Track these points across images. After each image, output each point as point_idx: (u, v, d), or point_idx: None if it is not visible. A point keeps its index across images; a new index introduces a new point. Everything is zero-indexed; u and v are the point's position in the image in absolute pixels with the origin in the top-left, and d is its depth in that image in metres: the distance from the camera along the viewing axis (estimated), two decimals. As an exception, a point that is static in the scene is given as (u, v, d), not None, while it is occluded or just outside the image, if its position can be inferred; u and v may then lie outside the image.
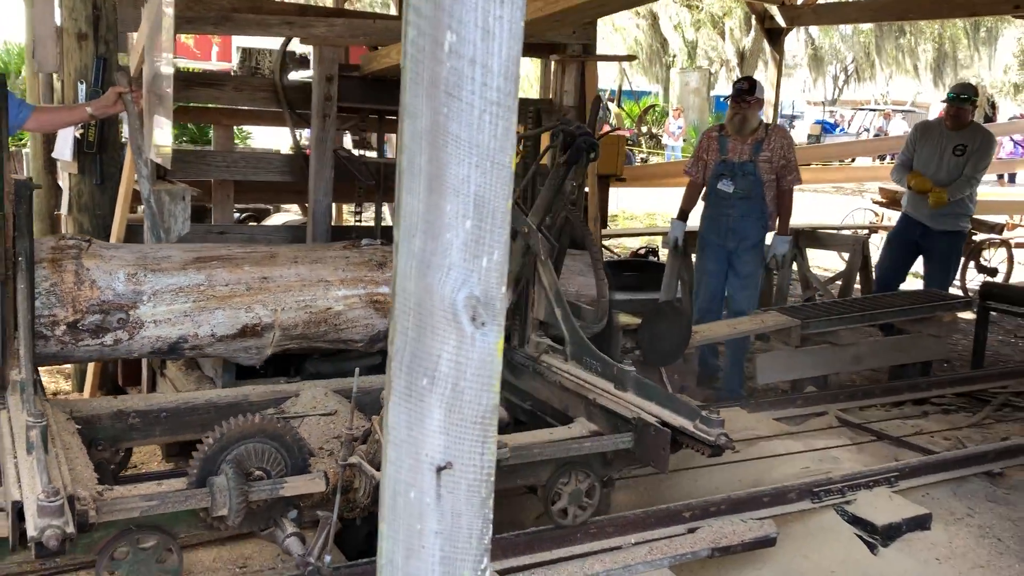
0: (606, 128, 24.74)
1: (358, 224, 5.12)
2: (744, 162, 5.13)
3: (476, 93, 1.22)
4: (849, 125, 30.15)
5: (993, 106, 32.59)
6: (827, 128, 29.07)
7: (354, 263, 3.50)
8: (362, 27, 4.57)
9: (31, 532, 1.96)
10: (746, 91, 5.12)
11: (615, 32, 26.92)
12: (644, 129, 29.84)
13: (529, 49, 5.50)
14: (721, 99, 32.55)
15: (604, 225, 9.72)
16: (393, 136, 6.60)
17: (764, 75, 10.26)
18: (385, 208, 5.32)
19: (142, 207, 3.76)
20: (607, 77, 32.94)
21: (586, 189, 5.95)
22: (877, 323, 4.92)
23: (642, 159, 25.04)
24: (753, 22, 15.37)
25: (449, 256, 1.25)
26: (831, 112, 33.56)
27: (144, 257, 3.13)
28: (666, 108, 27.88)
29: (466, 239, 1.26)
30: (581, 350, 3.26)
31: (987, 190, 12.29)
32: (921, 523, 3.38)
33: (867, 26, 29.23)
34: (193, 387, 3.38)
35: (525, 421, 3.40)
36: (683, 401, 2.95)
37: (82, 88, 3.99)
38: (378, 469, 2.33)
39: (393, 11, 7.90)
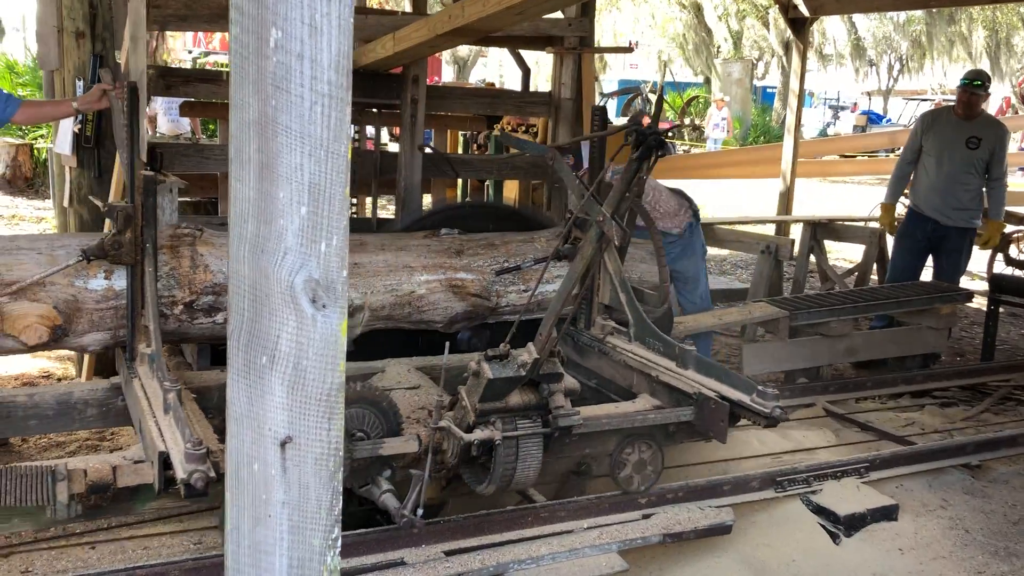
0: (646, 120, 24.66)
1: (354, 216, 5.22)
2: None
3: (306, 86, 1.29)
4: (898, 116, 29.50)
5: (1057, 95, 31.57)
6: (873, 119, 28.50)
7: (434, 251, 3.72)
8: (355, 22, 4.66)
9: (180, 476, 2.26)
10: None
11: (652, 27, 26.73)
12: (687, 120, 29.62)
13: (526, 42, 5.54)
14: (767, 90, 32.19)
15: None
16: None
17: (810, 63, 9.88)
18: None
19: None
20: (650, 68, 32.78)
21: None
22: (868, 315, 4.88)
23: (684, 150, 24.84)
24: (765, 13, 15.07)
25: (284, 241, 1.32)
26: (868, 102, 32.84)
27: None
28: (710, 99, 27.58)
29: (302, 225, 1.32)
30: (644, 331, 3.51)
31: (1014, 180, 11.97)
32: (887, 514, 3.37)
33: (918, 13, 28.59)
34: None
35: (589, 398, 3.59)
36: (740, 377, 3.13)
37: (80, 85, 4.15)
38: (467, 432, 2.70)
39: (408, 7, 7.98)
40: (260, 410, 1.36)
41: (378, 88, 4.91)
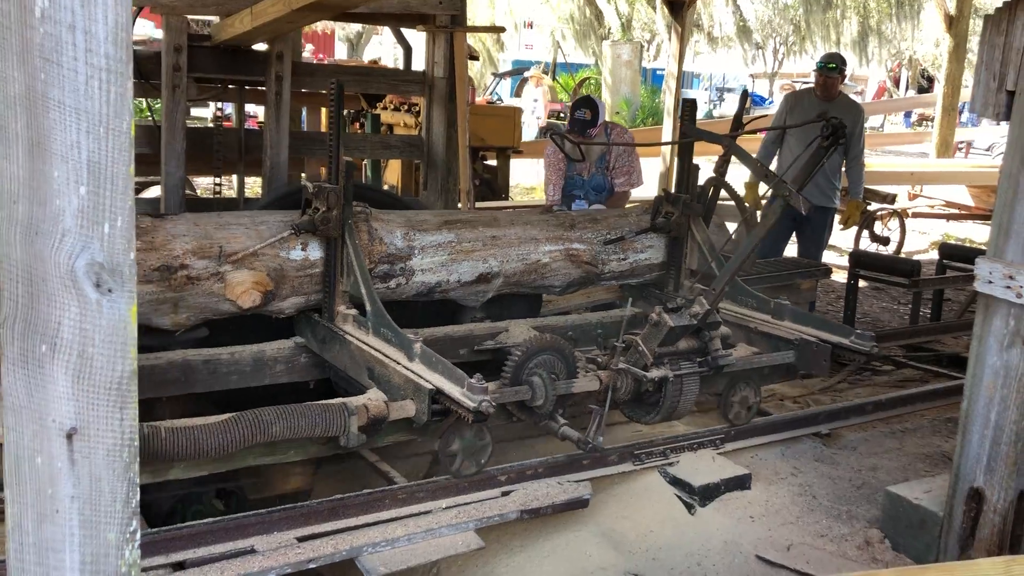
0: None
1: (218, 196, 5.07)
2: (593, 176, 4.96)
3: (80, 59, 1.22)
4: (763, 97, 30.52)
5: (930, 80, 33.16)
6: (756, 101, 29.43)
7: (552, 225, 4.09)
8: (215, -5, 4.51)
9: (471, 405, 2.67)
10: (588, 122, 4.79)
11: (544, 3, 26.79)
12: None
13: (397, 19, 5.47)
14: (657, 72, 32.77)
15: (506, 196, 9.76)
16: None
17: (692, 47, 10.19)
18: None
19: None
20: (545, 48, 32.86)
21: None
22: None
23: (576, 132, 24.84)
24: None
25: (62, 222, 1.25)
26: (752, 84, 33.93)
27: (409, 220, 3.72)
28: (600, 80, 27.85)
29: (81, 205, 1.26)
30: (736, 290, 3.99)
31: (879, 160, 12.55)
32: (741, 483, 3.48)
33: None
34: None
35: None
36: (836, 324, 3.59)
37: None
38: (645, 371, 3.18)
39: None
40: (42, 401, 1.29)
41: (241, 65, 4.77)
